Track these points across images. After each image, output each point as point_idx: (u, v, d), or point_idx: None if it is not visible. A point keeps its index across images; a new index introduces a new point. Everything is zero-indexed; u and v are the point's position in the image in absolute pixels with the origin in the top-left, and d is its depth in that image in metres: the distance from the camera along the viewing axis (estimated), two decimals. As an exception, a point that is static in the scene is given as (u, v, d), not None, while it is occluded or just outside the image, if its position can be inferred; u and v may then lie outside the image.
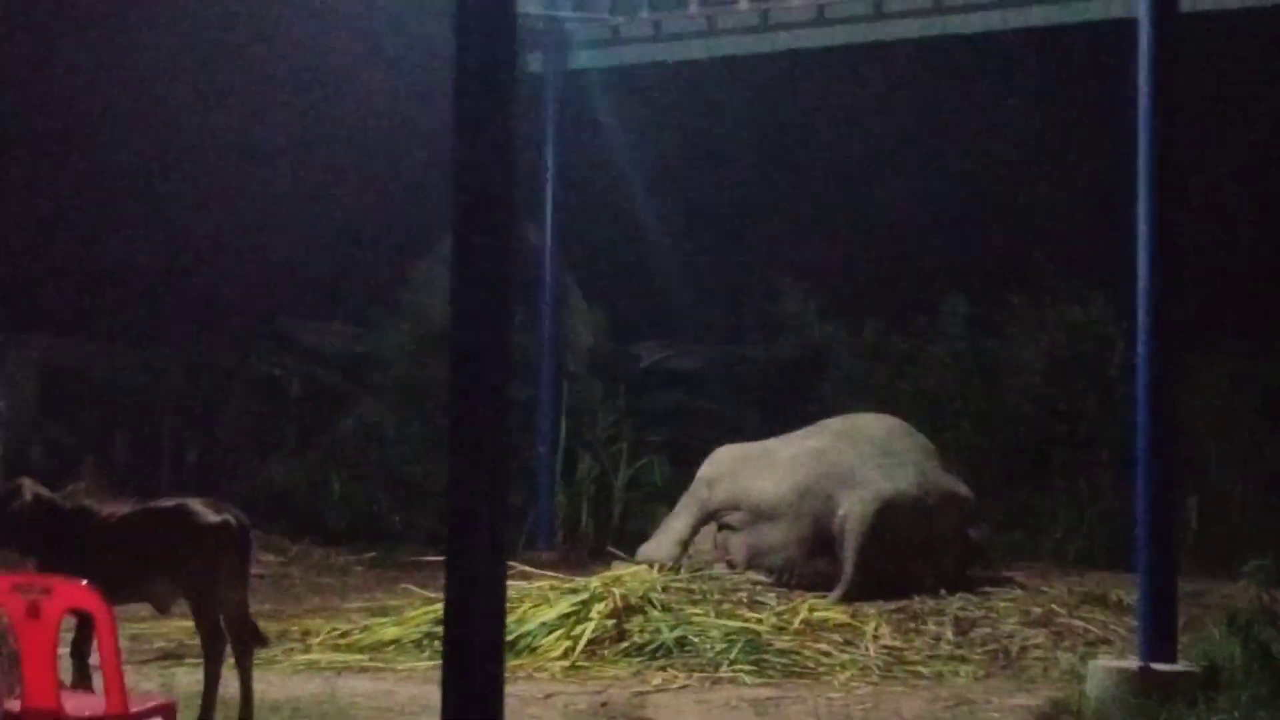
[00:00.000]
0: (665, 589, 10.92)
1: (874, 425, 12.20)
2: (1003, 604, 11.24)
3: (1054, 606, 11.16)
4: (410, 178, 19.22)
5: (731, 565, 11.63)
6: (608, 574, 11.21)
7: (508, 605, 10.54)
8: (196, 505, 7.31)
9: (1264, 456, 15.83)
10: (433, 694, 8.84)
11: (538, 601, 10.68)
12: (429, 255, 19.13)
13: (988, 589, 11.77)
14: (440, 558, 13.57)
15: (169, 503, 7.43)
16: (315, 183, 19.34)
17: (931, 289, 17.86)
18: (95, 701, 5.46)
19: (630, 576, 11.03)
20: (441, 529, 16.52)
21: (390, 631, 10.50)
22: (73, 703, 5.35)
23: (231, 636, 7.20)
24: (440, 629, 10.27)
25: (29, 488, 7.43)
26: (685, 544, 11.82)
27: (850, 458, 11.59)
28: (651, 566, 11.54)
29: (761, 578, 11.32)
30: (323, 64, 18.89)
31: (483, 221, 4.58)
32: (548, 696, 8.98)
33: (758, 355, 18.63)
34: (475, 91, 4.64)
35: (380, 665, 9.83)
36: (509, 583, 10.83)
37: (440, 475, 17.48)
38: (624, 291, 18.89)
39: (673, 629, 10.22)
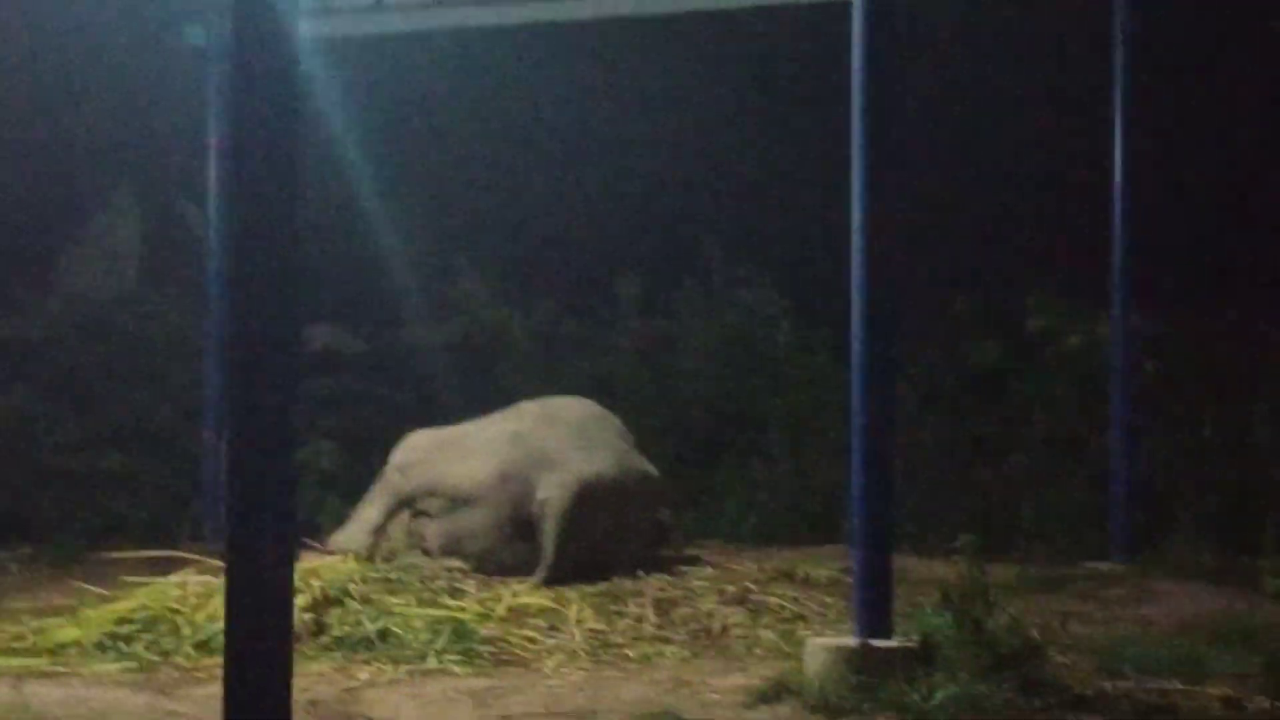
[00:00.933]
0: (363, 579, 10.62)
1: (570, 409, 12.13)
2: (698, 583, 11.31)
3: (747, 584, 11.26)
4: (61, 149, 18.25)
5: (427, 553, 11.37)
6: (301, 565, 10.80)
7: (195, 600, 10.16)
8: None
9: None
10: (129, 699, 8.48)
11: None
12: (83, 233, 18.26)
13: (681, 568, 11.82)
14: (111, 554, 13.11)
15: None
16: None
17: (605, 273, 17.93)
18: None
19: (326, 567, 10.70)
20: (101, 523, 15.84)
21: (69, 633, 9.90)
22: None
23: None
24: (124, 629, 9.90)
25: None
26: (378, 532, 11.50)
27: (549, 441, 11.48)
28: (345, 556, 11.19)
29: (460, 564, 11.11)
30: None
31: (264, 200, 4.20)
32: (252, 696, 8.57)
33: (430, 338, 18.36)
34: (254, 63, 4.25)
35: (64, 670, 9.25)
36: (193, 578, 10.50)
37: (99, 467, 16.88)
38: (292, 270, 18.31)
39: (374, 620, 9.96)
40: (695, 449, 16.88)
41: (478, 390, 17.92)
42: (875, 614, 7.96)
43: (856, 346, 8.07)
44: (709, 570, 11.87)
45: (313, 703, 8.44)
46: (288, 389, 4.11)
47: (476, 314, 18.52)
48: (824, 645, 7.94)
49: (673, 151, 18.41)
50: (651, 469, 12.10)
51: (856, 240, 8.06)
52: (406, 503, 11.63)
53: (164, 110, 17.91)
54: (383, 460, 17.66)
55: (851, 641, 7.90)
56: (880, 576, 8.04)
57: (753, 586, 11.27)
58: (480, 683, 8.96)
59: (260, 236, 4.13)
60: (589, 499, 11.28)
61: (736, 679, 8.75)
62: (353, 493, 17.31)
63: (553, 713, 7.97)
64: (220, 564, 10.94)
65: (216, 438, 16.34)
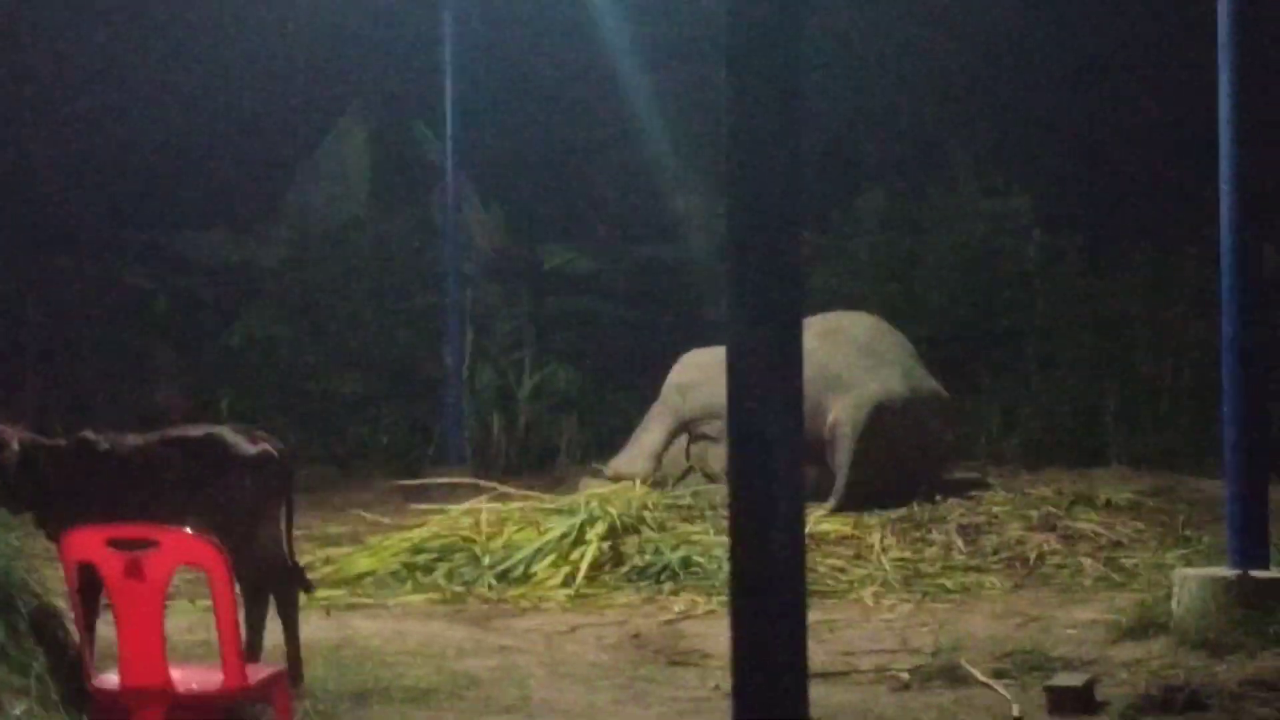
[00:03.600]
0: (654, 506, 10.22)
1: (856, 324, 11.57)
2: (997, 508, 10.75)
3: (1050, 509, 10.67)
4: (290, 72, 18.02)
5: (710, 477, 10.95)
6: (591, 491, 10.44)
7: (487, 529, 9.83)
8: (229, 433, 6.36)
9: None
10: (447, 631, 8.14)
11: (521, 524, 9.91)
12: (313, 156, 18.02)
13: (972, 492, 11.28)
14: (381, 479, 12.84)
15: (195, 430, 6.45)
16: (180, 85, 17.92)
17: (846, 185, 17.27)
18: (207, 674, 4.57)
19: (615, 494, 10.28)
20: (344, 448, 15.56)
21: (364, 563, 9.62)
22: (182, 676, 4.46)
23: (272, 580, 6.30)
24: (419, 559, 9.59)
25: (10, 432, 6.37)
26: (659, 457, 11.10)
27: (836, 359, 10.94)
28: (630, 482, 10.78)
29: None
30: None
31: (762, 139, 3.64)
32: (572, 629, 8.23)
33: (665, 255, 17.86)
34: None
35: (368, 601, 8.95)
36: (482, 504, 10.17)
37: (339, 391, 16.72)
38: (523, 191, 17.96)
39: (673, 549, 9.54)
40: (944, 366, 16.27)
41: (712, 309, 17.47)
42: (1253, 543, 7.33)
43: (1227, 265, 7.40)
44: (1001, 494, 11.29)
45: (635, 636, 8.07)
46: (791, 328, 3.59)
47: (711, 230, 17.97)
48: (1198, 577, 7.33)
49: (923, 60, 17.62)
50: (940, 388, 11.52)
51: (1227, 152, 7.38)
52: (686, 425, 11.20)
53: (392, 29, 17.58)
54: (622, 381, 17.48)
55: (1228, 572, 7.28)
56: (1257, 504, 7.41)
57: (1056, 511, 10.66)
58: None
59: (762, 162, 3.57)
60: (881, 420, 10.76)
61: (1086, 612, 8.20)
62: (591, 416, 17.08)
63: (907, 648, 7.46)
64: (509, 490, 10.70)
65: (460, 362, 16.17)
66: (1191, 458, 13.33)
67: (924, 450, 11.07)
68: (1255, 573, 7.26)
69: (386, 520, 10.94)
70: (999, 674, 6.87)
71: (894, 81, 17.80)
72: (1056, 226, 16.56)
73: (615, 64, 17.25)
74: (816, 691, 6.59)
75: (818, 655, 7.38)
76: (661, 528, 9.84)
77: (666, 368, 17.10)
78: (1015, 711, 6.14)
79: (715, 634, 8.04)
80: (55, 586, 6.27)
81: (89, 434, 6.44)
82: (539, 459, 15.82)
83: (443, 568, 9.45)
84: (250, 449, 6.26)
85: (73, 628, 6.15)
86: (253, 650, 6.11)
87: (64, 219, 17.53)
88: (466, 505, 10.32)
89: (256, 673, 4.55)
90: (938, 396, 11.35)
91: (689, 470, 11.16)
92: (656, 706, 6.46)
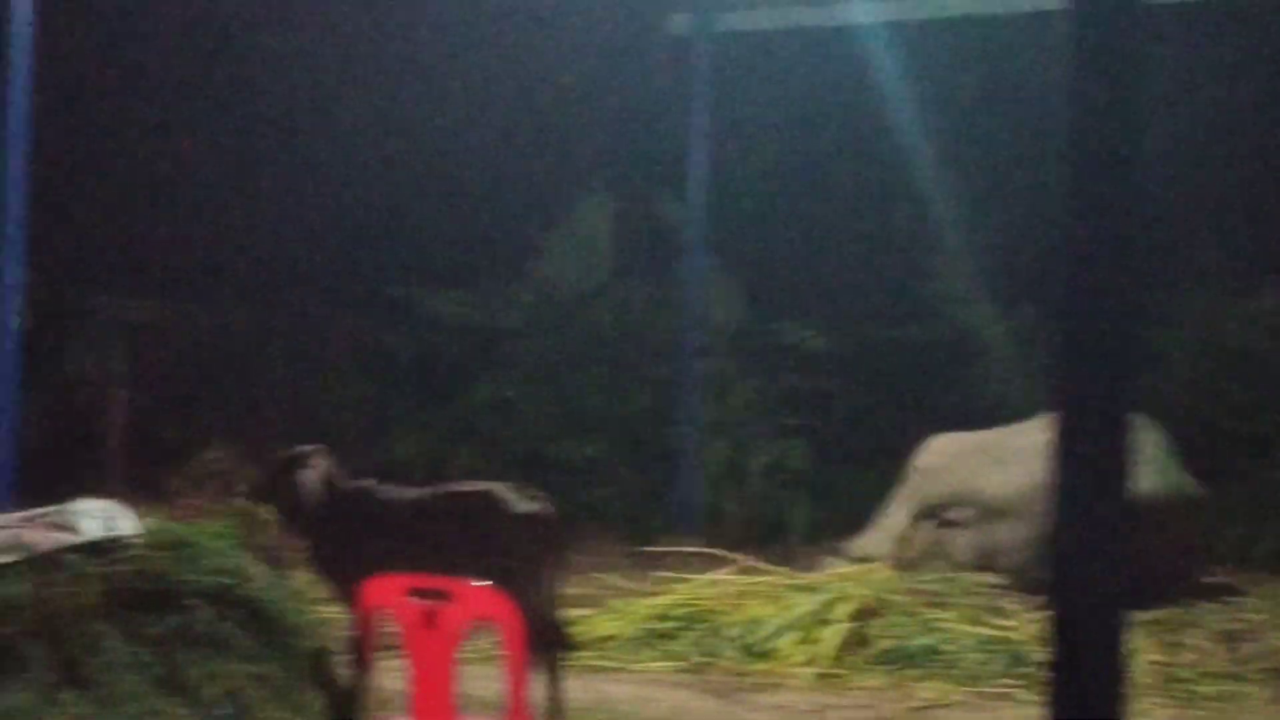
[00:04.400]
0: (899, 590, 10.05)
1: (1113, 418, 11.28)
2: (1255, 615, 10.38)
3: (1314, 621, 10.27)
4: (540, 142, 18.35)
5: (955, 563, 10.77)
6: (835, 570, 10.34)
7: (727, 601, 9.78)
8: (504, 490, 6.43)
9: None
10: (694, 701, 8.11)
11: (765, 599, 9.85)
12: (560, 224, 18.30)
13: (1226, 597, 10.92)
14: (637, 547, 12.89)
15: (472, 486, 6.55)
16: (436, 149, 18.39)
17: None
18: (495, 727, 4.62)
19: (862, 575, 10.16)
20: (578, 511, 15.70)
21: (606, 626, 9.64)
22: (470, 729, 4.51)
23: (542, 638, 6.33)
24: (662, 625, 9.57)
25: (317, 459, 6.57)
26: (902, 540, 10.95)
27: (1092, 453, 10.66)
28: (873, 565, 10.65)
29: (995, 579, 10.44)
30: (448, 20, 17.97)
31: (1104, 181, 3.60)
32: (818, 711, 8.13)
33: (905, 337, 17.70)
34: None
35: (611, 664, 8.96)
36: (722, 576, 10.13)
37: (577, 455, 16.86)
38: (766, 265, 17.99)
39: (920, 635, 9.38)
40: (1190, 465, 15.84)
41: (949, 395, 17.27)
42: None
43: None
44: (1257, 600, 10.91)
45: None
46: (1122, 417, 3.50)
47: (952, 314, 17.79)
48: None
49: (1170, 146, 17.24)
50: (1194, 486, 11.19)
51: None
52: (932, 510, 11.05)
53: (639, 100, 17.82)
54: (853, 462, 17.33)
55: None
56: None
57: (1319, 622, 10.25)
58: (1057, 712, 8.25)
59: (1101, 236, 3.52)
60: (1136, 519, 10.44)
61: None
62: (825, 495, 16.97)
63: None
64: (753, 563, 10.63)
65: (694, 434, 16.20)
66: None
67: (1175, 550, 10.74)
68: None
69: (624, 584, 10.98)
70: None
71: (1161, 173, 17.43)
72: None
73: (871, 143, 17.30)
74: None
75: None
76: (907, 612, 9.68)
77: (902, 450, 16.99)
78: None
79: (966, 724, 7.91)
80: (328, 628, 6.43)
81: (373, 482, 6.59)
82: (768, 533, 15.77)
83: (686, 636, 9.43)
84: (525, 507, 6.32)
85: (348, 671, 6.29)
86: (557, 706, 6.16)
87: (319, 270, 18.10)
88: (710, 576, 10.30)
89: (538, 728, 4.58)
90: (1193, 496, 11.03)
91: (932, 556, 10.97)
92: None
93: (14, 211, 9.64)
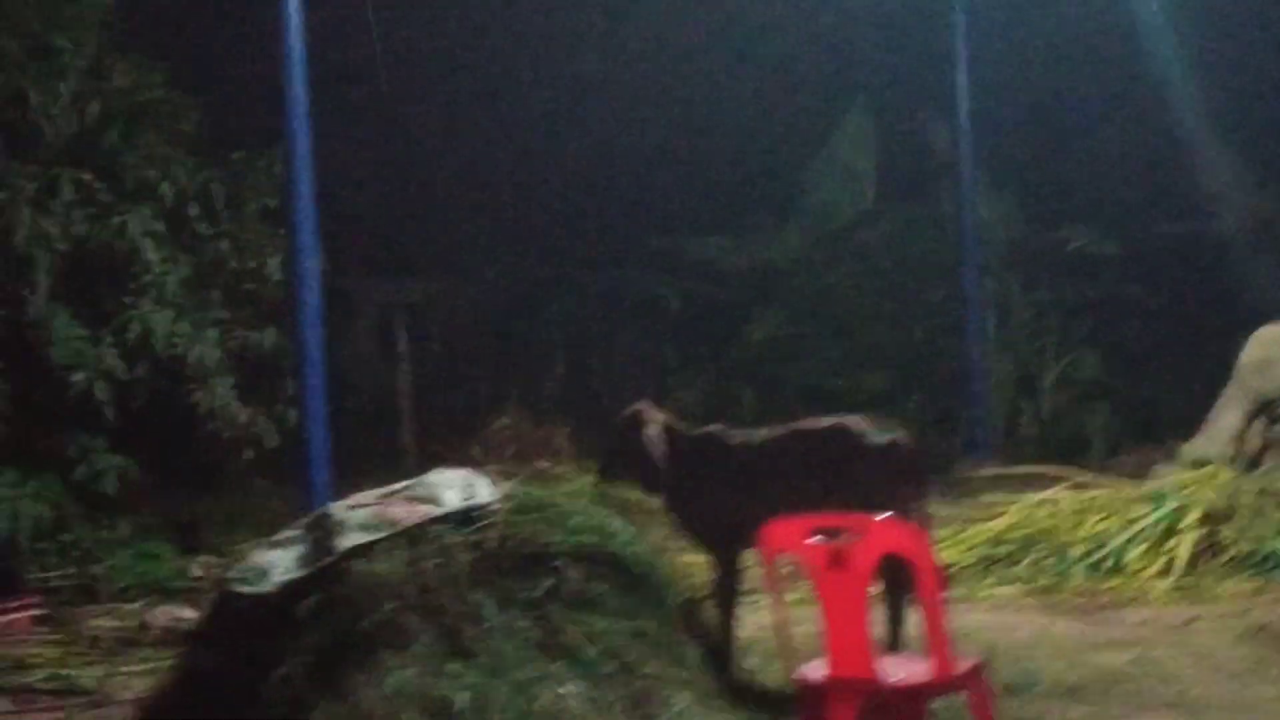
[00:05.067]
0: (1243, 491, 9.55)
1: None
2: None
3: None
4: (795, 70, 18.00)
5: (1295, 459, 10.21)
6: (1173, 479, 9.88)
7: (1064, 520, 9.42)
8: (859, 423, 6.20)
9: None
10: (1052, 625, 7.78)
11: (1104, 514, 9.46)
12: (822, 152, 17.97)
13: None
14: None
15: (823, 422, 6.33)
16: (687, 90, 18.16)
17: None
18: (914, 665, 4.40)
19: (1202, 480, 9.67)
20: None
21: (948, 554, 9.34)
22: (888, 668, 4.30)
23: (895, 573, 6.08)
24: (997, 550, 9.25)
25: (654, 415, 6.44)
26: (1238, 440, 10.41)
27: None
28: (1210, 467, 10.14)
29: (1339, 472, 9.87)
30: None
31: None
32: (1188, 622, 7.75)
33: (1189, 232, 16.96)
34: None
35: (957, 593, 8.65)
36: (1062, 494, 9.76)
37: (862, 386, 16.54)
38: (1038, 176, 17.40)
39: (1276, 537, 8.89)
40: None
41: (1245, 287, 16.50)
42: None
43: None
44: None
45: (1260, 628, 7.50)
46: None
47: (1238, 207, 16.99)
48: None
49: None
50: None
51: None
52: (1266, 405, 10.49)
53: (902, 22, 17.33)
54: (1150, 367, 16.72)
55: None
56: None
57: None
58: None
59: None
60: None
61: None
62: (1122, 404, 16.40)
63: None
64: (1085, 478, 10.25)
65: (983, 354, 15.78)
66: None
67: None
68: None
69: (946, 512, 10.67)
70: None
71: None
72: None
73: (1136, 37, 16.57)
74: None
75: None
76: (1259, 514, 9.19)
77: (1199, 351, 16.29)
78: None
79: (1354, 627, 7.44)
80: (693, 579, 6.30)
81: (720, 427, 6.44)
82: (1066, 448, 15.29)
83: (1027, 559, 9.11)
84: (882, 439, 6.08)
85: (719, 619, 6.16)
86: (896, 641, 5.95)
87: (582, 227, 18.08)
88: (1039, 495, 9.95)
89: (959, 664, 4.34)
90: None
91: (1268, 452, 10.43)
92: (1329, 703, 5.95)
93: (304, 200, 9.69)
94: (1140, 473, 11.25)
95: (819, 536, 4.36)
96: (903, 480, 6.04)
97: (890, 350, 16.81)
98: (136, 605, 9.14)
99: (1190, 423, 14.91)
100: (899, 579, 6.11)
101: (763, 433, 6.36)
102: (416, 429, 16.51)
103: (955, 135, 15.91)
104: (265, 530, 7.12)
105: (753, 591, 8.24)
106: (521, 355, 17.67)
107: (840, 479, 6.03)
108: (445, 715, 5.25)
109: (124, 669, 7.77)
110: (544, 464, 13.14)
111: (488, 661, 5.43)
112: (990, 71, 16.28)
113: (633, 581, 5.83)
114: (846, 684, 4.24)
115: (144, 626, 8.52)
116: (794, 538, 4.38)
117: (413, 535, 5.76)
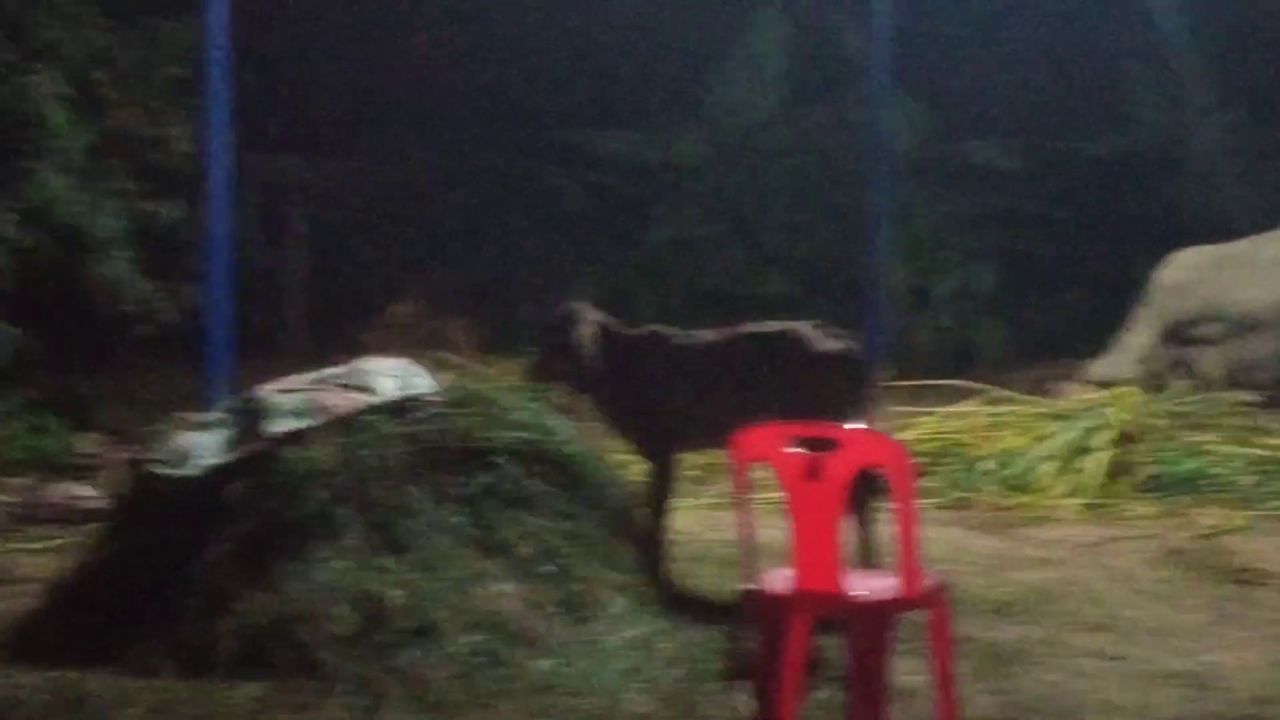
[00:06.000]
0: (1154, 413, 9.62)
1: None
2: None
3: None
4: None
5: (1203, 383, 10.29)
6: (1086, 397, 9.92)
7: (977, 434, 9.41)
8: (807, 329, 6.06)
9: None
10: (968, 540, 7.71)
11: (1016, 430, 9.47)
12: (731, 50, 17.72)
13: None
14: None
15: (771, 326, 6.18)
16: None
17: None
18: (881, 582, 4.29)
19: (1115, 400, 9.71)
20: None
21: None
22: (854, 583, 4.19)
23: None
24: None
25: (589, 313, 6.26)
26: (1147, 361, 10.48)
27: None
28: (1123, 388, 10.18)
29: (1249, 396, 9.96)
30: None
31: None
32: (1103, 542, 7.76)
33: (1099, 150, 16.99)
34: None
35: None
36: (976, 409, 9.74)
37: (762, 292, 16.44)
38: (948, 87, 17.30)
39: (1186, 459, 8.96)
40: None
41: (1152, 207, 16.60)
42: None
43: None
44: None
45: (1173, 551, 7.53)
46: None
47: (1151, 123, 17.05)
48: None
49: None
50: None
51: None
52: (1178, 328, 10.55)
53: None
54: (1048, 284, 16.79)
55: None
56: None
57: None
58: (1360, 534, 7.84)
59: None
60: None
61: None
62: (1016, 319, 16.48)
63: None
64: (1007, 392, 10.21)
65: (883, 263, 15.70)
66: None
67: None
68: None
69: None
70: None
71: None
72: None
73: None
74: None
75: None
76: (1168, 436, 9.26)
77: (1102, 271, 16.39)
78: None
79: (1266, 551, 7.49)
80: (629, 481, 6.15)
81: (659, 327, 6.27)
82: (959, 361, 15.36)
83: (939, 473, 9.08)
84: (830, 345, 5.96)
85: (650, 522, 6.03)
86: (867, 555, 5.86)
87: (481, 116, 17.70)
88: (953, 408, 9.93)
89: (923, 580, 4.25)
90: None
91: (1178, 376, 10.52)
92: (1257, 629, 5.96)
93: (217, 72, 9.30)
94: (1035, 389, 11.32)
95: (795, 446, 4.21)
96: (852, 388, 5.92)
97: (792, 256, 16.73)
98: (26, 480, 8.84)
99: (1085, 341, 15.06)
100: (869, 491, 6.02)
101: (706, 334, 6.20)
102: (305, 314, 16.18)
103: (868, 40, 15.73)
104: (158, 411, 6.88)
105: (708, 497, 8.21)
106: (418, 244, 17.35)
107: (788, 385, 5.89)
108: (376, 610, 5.09)
109: (18, 545, 7.50)
110: (443, 355, 12.91)
111: (421, 557, 5.28)
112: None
113: (571, 482, 5.70)
114: (811, 597, 4.13)
115: (38, 504, 8.23)
116: (770, 446, 4.23)
117: (346, 424, 5.55)
